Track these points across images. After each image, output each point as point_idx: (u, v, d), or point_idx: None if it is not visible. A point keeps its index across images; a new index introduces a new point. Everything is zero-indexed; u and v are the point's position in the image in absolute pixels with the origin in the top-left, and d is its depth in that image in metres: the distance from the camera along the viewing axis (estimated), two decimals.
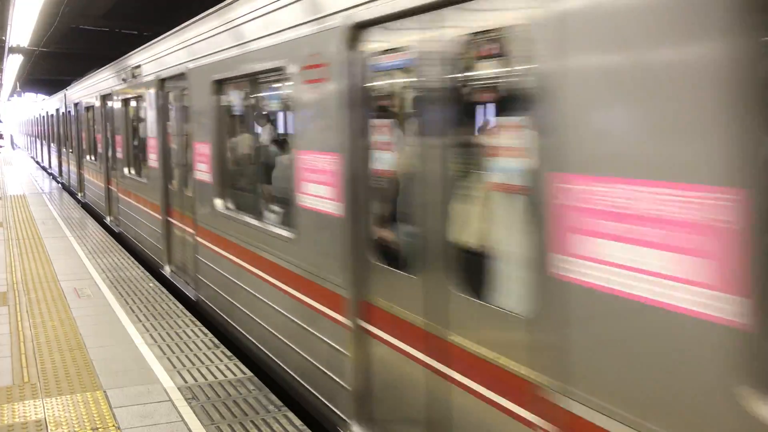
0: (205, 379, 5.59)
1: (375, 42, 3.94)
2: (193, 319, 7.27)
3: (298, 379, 5.15)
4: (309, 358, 4.93)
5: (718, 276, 2.00)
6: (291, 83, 4.92)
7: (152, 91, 9.28)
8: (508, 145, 3.07)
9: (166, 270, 9.11)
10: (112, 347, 6.37)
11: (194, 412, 4.95)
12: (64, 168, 22.78)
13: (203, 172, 7.14)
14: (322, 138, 4.50)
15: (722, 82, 1.95)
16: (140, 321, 7.16)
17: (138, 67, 10.33)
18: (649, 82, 2.18)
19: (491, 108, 3.63)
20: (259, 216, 6.11)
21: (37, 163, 35.26)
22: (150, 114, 9.60)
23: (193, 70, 7.33)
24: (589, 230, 2.44)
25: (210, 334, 6.73)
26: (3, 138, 59.08)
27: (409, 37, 3.58)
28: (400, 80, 4.05)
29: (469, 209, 3.39)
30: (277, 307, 5.42)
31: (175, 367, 5.85)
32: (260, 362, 5.97)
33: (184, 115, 8.01)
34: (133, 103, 11.37)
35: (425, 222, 3.54)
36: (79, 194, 18.87)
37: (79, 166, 18.65)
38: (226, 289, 6.68)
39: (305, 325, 4.95)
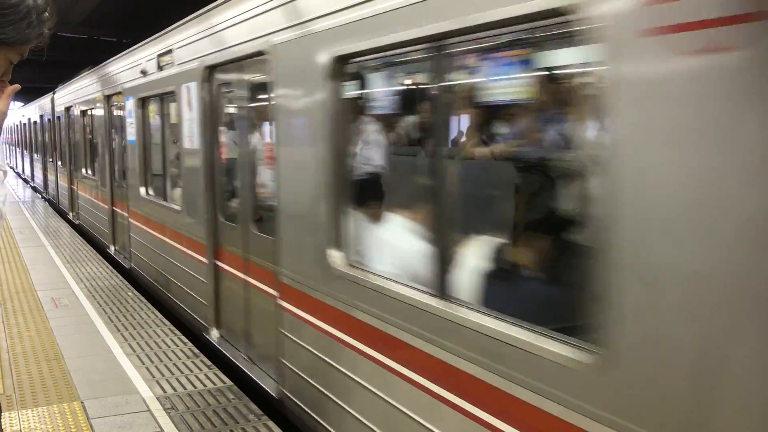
0: (185, 388, 5.55)
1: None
2: (173, 328, 7.22)
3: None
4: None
5: None
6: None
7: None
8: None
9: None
10: (90, 357, 6.31)
11: (173, 422, 4.91)
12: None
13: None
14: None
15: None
16: (119, 331, 7.10)
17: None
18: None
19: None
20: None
21: (25, 181, 29.83)
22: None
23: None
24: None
25: (189, 343, 6.69)
26: None
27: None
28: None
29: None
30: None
31: (153, 376, 5.80)
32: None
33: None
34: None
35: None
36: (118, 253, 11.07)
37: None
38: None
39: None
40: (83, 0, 16.82)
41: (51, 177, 20.41)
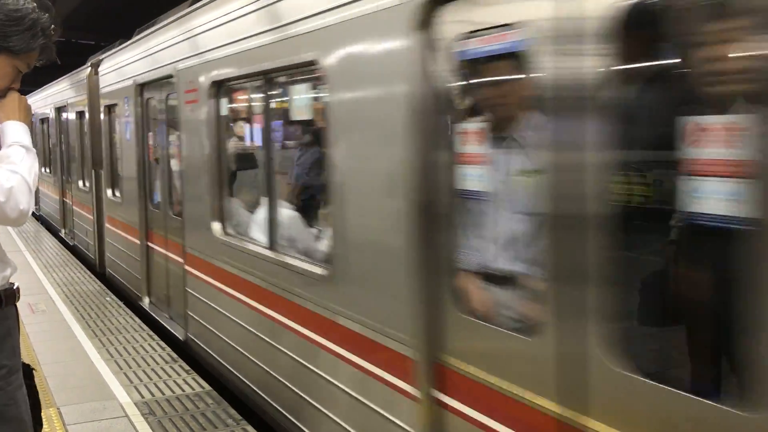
0: (163, 393, 5.53)
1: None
2: (151, 333, 7.18)
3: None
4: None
5: None
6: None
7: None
8: None
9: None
10: (68, 363, 6.25)
11: (151, 428, 4.88)
12: None
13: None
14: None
15: None
16: (96, 336, 7.05)
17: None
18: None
19: None
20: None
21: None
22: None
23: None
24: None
25: (168, 348, 6.65)
26: None
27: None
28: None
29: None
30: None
31: (132, 382, 5.77)
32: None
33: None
34: None
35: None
36: None
37: None
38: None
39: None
40: (61, 2, 16.72)
41: (81, 212, 12.34)
